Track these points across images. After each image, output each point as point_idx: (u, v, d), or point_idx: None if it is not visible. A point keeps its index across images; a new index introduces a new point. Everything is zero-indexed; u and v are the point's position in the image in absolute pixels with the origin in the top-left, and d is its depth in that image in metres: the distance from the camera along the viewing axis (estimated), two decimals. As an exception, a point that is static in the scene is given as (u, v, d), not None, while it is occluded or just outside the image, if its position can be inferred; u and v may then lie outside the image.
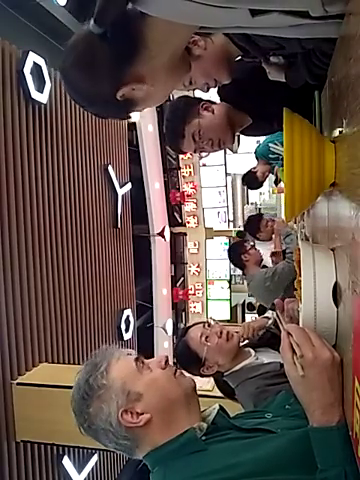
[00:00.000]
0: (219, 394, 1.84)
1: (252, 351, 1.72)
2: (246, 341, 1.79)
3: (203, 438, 0.94)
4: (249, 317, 14.71)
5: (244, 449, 0.89)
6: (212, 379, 1.83)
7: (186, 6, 0.73)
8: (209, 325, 1.69)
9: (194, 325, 1.76)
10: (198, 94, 1.63)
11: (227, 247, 11.00)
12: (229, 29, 0.96)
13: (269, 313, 2.22)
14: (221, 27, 0.93)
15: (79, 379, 1.02)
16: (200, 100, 1.59)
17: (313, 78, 1.09)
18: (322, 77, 1.05)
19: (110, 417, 0.96)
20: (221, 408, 1.04)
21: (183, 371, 1.07)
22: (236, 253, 3.44)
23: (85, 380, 1.00)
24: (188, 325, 1.83)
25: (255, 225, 3.80)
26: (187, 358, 1.70)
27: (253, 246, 3.43)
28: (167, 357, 1.05)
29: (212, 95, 1.65)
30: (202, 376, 1.73)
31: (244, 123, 1.62)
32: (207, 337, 1.64)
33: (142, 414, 0.95)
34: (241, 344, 1.74)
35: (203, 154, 1.63)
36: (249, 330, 1.75)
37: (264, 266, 3.42)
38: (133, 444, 0.97)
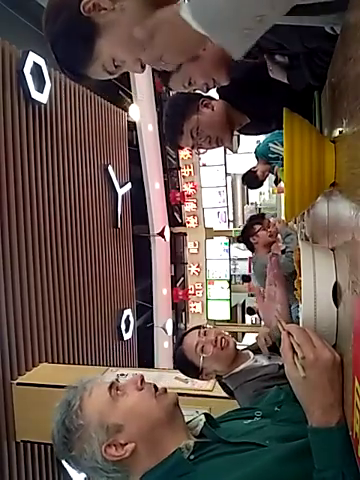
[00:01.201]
0: (219, 394, 1.83)
1: (251, 353, 1.71)
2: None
3: (191, 457, 0.92)
4: (249, 319, 14.74)
5: (231, 467, 0.87)
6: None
7: None
8: (205, 333, 1.64)
9: (190, 331, 1.73)
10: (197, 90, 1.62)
11: (227, 247, 11.03)
12: None
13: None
14: None
15: (56, 421, 0.99)
16: (200, 96, 1.58)
17: (316, 79, 1.09)
18: (324, 78, 1.05)
19: (94, 455, 0.93)
20: (207, 417, 1.02)
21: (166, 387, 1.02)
22: (246, 235, 3.46)
23: (62, 422, 0.97)
24: (184, 332, 1.80)
25: (250, 231, 3.79)
26: (185, 366, 1.69)
27: (262, 228, 3.42)
28: (142, 376, 1.01)
29: (211, 92, 1.64)
30: (202, 380, 1.72)
31: (242, 122, 1.62)
32: (203, 347, 1.61)
33: (126, 444, 0.93)
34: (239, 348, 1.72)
35: (201, 151, 1.63)
36: (266, 336, 1.71)
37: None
38: (124, 475, 0.95)
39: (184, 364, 1.68)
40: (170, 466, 0.91)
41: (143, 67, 0.90)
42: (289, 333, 0.80)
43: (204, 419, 1.01)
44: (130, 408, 0.95)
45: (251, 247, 3.46)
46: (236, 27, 0.69)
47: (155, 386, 1.00)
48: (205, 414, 1.03)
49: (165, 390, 1.00)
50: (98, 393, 0.98)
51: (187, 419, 1.03)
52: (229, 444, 0.94)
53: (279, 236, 3.43)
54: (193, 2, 0.72)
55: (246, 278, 11.55)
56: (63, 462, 1.01)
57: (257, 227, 3.40)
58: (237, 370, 1.63)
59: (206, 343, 1.62)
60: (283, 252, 3.21)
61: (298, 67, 1.12)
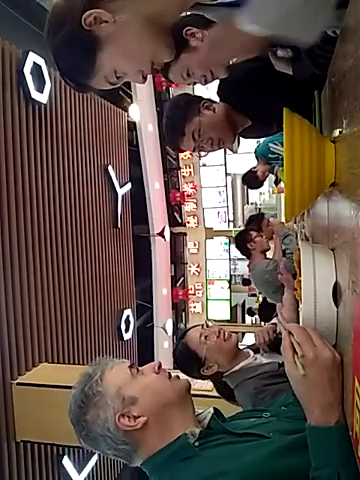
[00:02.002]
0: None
1: (251, 352, 1.72)
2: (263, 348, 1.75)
3: (196, 443, 0.95)
4: (249, 320, 14.74)
5: (234, 455, 0.90)
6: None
7: None
8: (207, 326, 1.70)
9: (192, 327, 1.78)
10: (198, 92, 1.63)
11: (227, 247, 11.02)
12: (221, 10, 0.91)
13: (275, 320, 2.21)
14: (215, 3, 0.89)
15: (75, 390, 1.04)
16: (201, 99, 1.58)
17: (319, 68, 1.09)
18: (327, 66, 1.04)
19: (107, 422, 0.98)
20: (216, 411, 1.05)
21: (178, 374, 1.09)
22: (242, 241, 3.44)
23: (80, 390, 1.02)
24: (186, 328, 1.83)
25: (256, 225, 3.79)
26: (187, 359, 1.70)
27: (259, 235, 3.42)
28: (160, 362, 1.07)
29: (212, 95, 1.65)
30: (202, 378, 1.73)
31: (243, 124, 1.62)
32: (206, 336, 1.65)
33: (139, 417, 0.97)
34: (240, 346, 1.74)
35: (202, 153, 1.63)
36: (264, 334, 1.73)
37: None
38: (132, 448, 0.99)
39: (186, 357, 1.70)
40: (175, 449, 0.95)
41: (144, 78, 0.91)
42: (289, 332, 0.80)
43: (212, 411, 1.05)
44: (146, 385, 1.02)
45: (247, 253, 3.45)
46: (302, 15, 0.73)
47: (169, 373, 1.06)
48: (214, 408, 1.07)
49: (178, 376, 1.06)
50: (119, 368, 1.05)
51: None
52: (234, 435, 0.97)
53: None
54: (253, 10, 0.74)
55: (246, 282, 11.54)
56: (67, 456, 1.03)
57: (254, 233, 3.41)
58: (237, 368, 1.65)
59: (210, 334, 1.66)
60: (284, 253, 3.20)
61: (302, 59, 1.12)
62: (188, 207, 10.69)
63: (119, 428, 0.97)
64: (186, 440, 0.95)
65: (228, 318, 11.09)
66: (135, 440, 0.98)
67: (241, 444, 0.93)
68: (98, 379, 1.02)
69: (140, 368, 1.06)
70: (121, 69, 0.89)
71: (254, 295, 12.99)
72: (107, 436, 0.98)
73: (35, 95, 4.81)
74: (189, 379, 1.88)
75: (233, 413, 1.20)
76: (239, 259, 13.09)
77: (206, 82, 1.38)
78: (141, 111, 8.32)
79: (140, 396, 0.99)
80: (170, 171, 10.32)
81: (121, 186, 7.23)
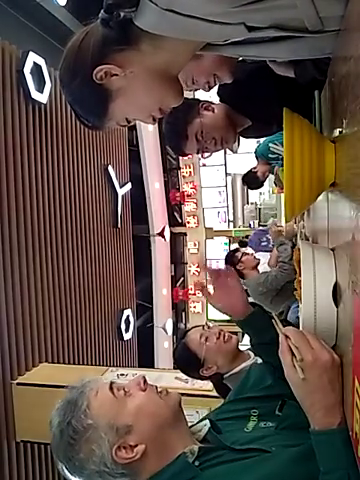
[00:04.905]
0: (219, 394, 1.84)
1: (251, 353, 1.72)
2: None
3: (196, 463, 0.91)
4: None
5: (237, 473, 0.87)
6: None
7: (176, 21, 0.72)
8: (208, 327, 1.70)
9: (193, 328, 1.78)
10: (198, 91, 1.63)
11: (227, 247, 11.02)
12: (230, 49, 0.93)
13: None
14: (223, 44, 0.91)
15: (59, 422, 0.94)
16: (199, 100, 1.59)
17: (321, 72, 1.09)
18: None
19: (104, 458, 0.90)
20: (212, 425, 1.02)
21: (166, 387, 1.02)
22: (231, 265, 3.47)
23: (67, 423, 0.92)
24: (187, 328, 1.84)
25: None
26: (186, 360, 1.71)
27: (245, 253, 3.49)
28: (144, 377, 0.99)
29: (212, 95, 1.65)
30: (201, 378, 1.73)
31: (243, 124, 1.63)
32: (206, 338, 1.66)
33: (136, 446, 0.91)
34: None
35: (205, 155, 1.63)
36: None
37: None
38: (131, 478, 0.93)
39: (185, 357, 1.70)
40: (176, 471, 0.91)
41: (155, 120, 0.95)
42: (286, 336, 0.80)
43: (209, 425, 1.01)
44: (139, 408, 0.94)
45: (240, 274, 3.45)
46: None
47: (156, 386, 0.99)
48: (209, 420, 1.03)
49: (167, 391, 0.99)
50: (104, 392, 0.96)
51: (189, 421, 1.03)
52: (234, 451, 0.93)
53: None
54: None
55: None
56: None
57: (239, 254, 3.46)
58: (237, 370, 1.65)
59: (210, 335, 1.67)
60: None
61: (303, 62, 1.12)
62: (188, 207, 10.69)
63: (117, 462, 0.90)
64: (186, 460, 0.91)
65: (228, 318, 11.09)
66: (135, 469, 0.92)
67: (243, 461, 0.90)
68: (85, 409, 0.92)
69: (123, 385, 0.98)
70: (132, 117, 0.93)
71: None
72: (104, 471, 0.91)
73: (35, 95, 4.81)
74: (189, 379, 1.89)
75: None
76: (239, 259, 13.06)
77: (210, 88, 1.38)
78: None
79: (134, 423, 0.91)
80: (170, 171, 10.32)
81: (121, 186, 7.23)
